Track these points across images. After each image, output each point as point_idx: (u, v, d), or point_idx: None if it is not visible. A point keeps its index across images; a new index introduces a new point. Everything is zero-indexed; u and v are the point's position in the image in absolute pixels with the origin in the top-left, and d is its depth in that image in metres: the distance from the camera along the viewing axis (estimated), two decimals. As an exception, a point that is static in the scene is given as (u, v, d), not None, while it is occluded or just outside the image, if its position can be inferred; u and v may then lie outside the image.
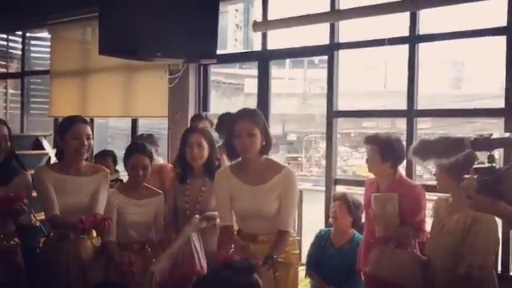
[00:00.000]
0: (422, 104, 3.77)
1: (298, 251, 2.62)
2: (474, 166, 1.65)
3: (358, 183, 4.55)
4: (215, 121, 3.78)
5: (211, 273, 1.77)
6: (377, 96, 8.98)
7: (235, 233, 2.56)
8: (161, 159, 3.94)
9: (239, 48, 10.90)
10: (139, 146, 2.90)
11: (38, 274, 2.63)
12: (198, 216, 2.66)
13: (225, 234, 2.49)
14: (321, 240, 3.34)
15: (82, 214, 2.56)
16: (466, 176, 1.65)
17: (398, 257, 2.66)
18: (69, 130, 2.61)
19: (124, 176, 3.35)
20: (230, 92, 11.41)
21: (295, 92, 11.74)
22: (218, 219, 2.71)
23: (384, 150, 2.82)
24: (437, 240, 2.55)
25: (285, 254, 2.45)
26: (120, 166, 3.42)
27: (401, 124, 4.14)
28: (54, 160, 3.18)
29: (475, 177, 1.60)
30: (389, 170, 2.85)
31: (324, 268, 3.29)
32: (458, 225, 2.43)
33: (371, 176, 3.02)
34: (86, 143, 2.61)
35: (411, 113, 3.73)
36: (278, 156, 2.52)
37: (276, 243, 2.39)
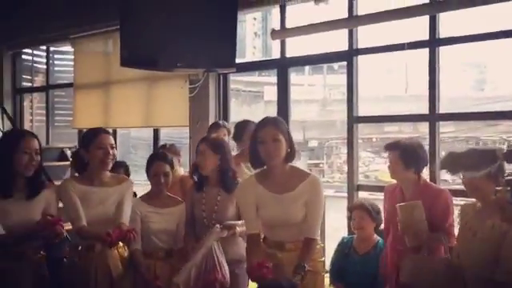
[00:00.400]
0: (444, 107, 3.73)
1: (323, 258, 2.61)
2: (507, 178, 1.62)
3: (381, 189, 4.49)
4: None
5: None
6: (398, 100, 8.89)
7: (261, 241, 2.56)
8: (182, 170, 3.96)
9: (258, 56, 10.93)
10: (160, 154, 3.05)
11: (64, 285, 2.67)
12: (218, 226, 2.69)
13: (252, 241, 2.48)
14: (344, 248, 3.32)
15: (108, 224, 2.60)
16: (498, 188, 1.62)
17: (432, 264, 2.60)
18: (93, 140, 2.65)
19: (143, 186, 3.39)
20: (249, 100, 11.45)
21: (315, 98, 11.70)
22: (238, 228, 2.73)
23: (407, 157, 2.78)
24: (469, 247, 2.47)
25: (312, 261, 2.44)
26: (135, 176, 3.45)
27: (423, 128, 4.09)
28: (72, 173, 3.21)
29: (508, 189, 1.57)
30: (413, 176, 2.81)
31: (348, 275, 3.27)
32: (494, 231, 2.34)
33: (393, 181, 2.99)
34: (110, 152, 2.66)
35: (433, 117, 3.69)
36: (299, 163, 2.53)
37: (303, 251, 2.38)
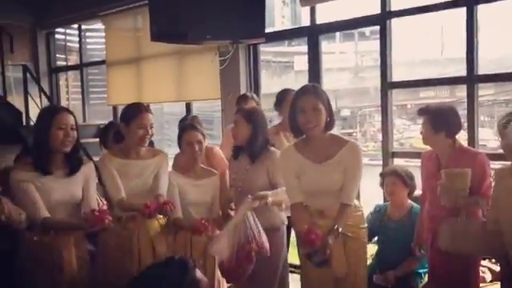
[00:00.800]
0: (483, 69, 3.59)
1: (366, 225, 2.61)
2: None
3: (416, 155, 4.42)
4: (261, 100, 3.76)
5: None
6: (434, 64, 8.60)
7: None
8: (206, 142, 3.91)
9: (287, 25, 10.74)
10: (190, 124, 3.05)
11: (108, 255, 2.77)
12: (250, 196, 2.71)
13: (297, 210, 2.49)
14: (377, 215, 3.31)
15: (146, 196, 2.68)
16: None
17: (470, 228, 2.59)
18: (134, 118, 2.69)
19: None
20: (280, 70, 11.34)
21: (347, 66, 11.48)
22: (270, 198, 2.74)
23: (436, 120, 2.72)
24: (509, 211, 2.43)
25: (354, 228, 2.47)
26: (169, 150, 3.47)
27: (461, 92, 3.96)
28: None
29: None
30: (444, 140, 2.74)
31: (383, 242, 3.27)
32: None
33: (428, 148, 2.93)
34: (149, 132, 2.71)
35: (472, 79, 3.56)
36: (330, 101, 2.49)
37: (338, 216, 2.39)
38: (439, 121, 2.73)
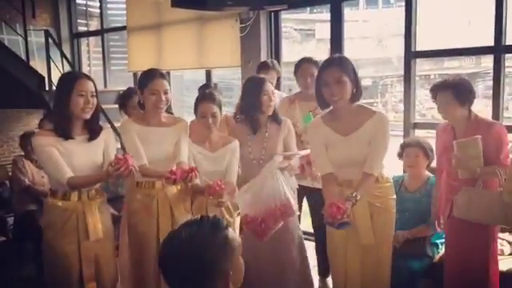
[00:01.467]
0: (510, 39, 3.48)
1: (394, 196, 2.60)
2: None
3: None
4: (282, 69, 3.72)
5: None
6: (460, 33, 8.35)
7: None
8: (224, 110, 3.87)
9: (310, -9, 10.52)
10: (207, 94, 2.87)
11: (129, 218, 2.85)
12: (278, 154, 2.75)
13: (327, 181, 2.50)
14: (395, 186, 3.29)
15: (168, 162, 2.71)
16: None
17: (487, 198, 2.60)
18: (146, 85, 2.68)
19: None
20: (301, 38, 11.17)
21: (370, 34, 11.23)
22: (292, 162, 2.82)
23: (461, 93, 2.70)
24: None
25: (382, 199, 2.49)
26: (189, 117, 3.45)
27: (487, 62, 3.86)
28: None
29: None
30: (464, 112, 2.73)
31: (400, 212, 3.27)
32: None
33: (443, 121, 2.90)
34: (163, 98, 2.67)
35: (499, 49, 3.47)
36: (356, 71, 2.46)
37: (360, 184, 2.39)
38: (464, 93, 2.71)
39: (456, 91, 2.70)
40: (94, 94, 2.47)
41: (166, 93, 2.70)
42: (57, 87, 2.59)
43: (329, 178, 2.49)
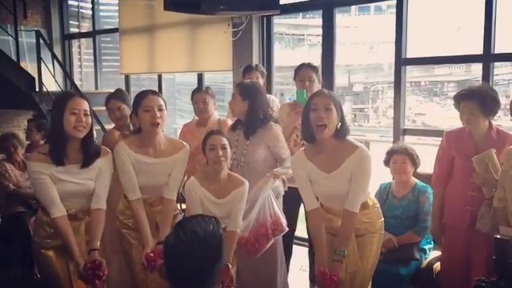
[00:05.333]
0: (499, 48, 3.53)
1: (382, 219, 2.62)
2: None
3: (428, 133, 4.41)
4: (274, 73, 3.71)
5: None
6: (450, 41, 8.44)
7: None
8: (217, 114, 3.84)
9: (302, -3, 10.57)
10: (214, 131, 2.75)
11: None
12: (268, 175, 2.78)
13: (314, 217, 2.53)
14: (382, 194, 3.32)
15: (158, 190, 2.67)
16: None
17: None
18: (140, 103, 2.58)
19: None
20: (293, 43, 11.21)
21: (361, 40, 11.30)
22: (284, 176, 2.85)
23: (487, 105, 2.69)
24: None
25: (370, 224, 2.53)
26: (180, 120, 3.45)
27: (476, 70, 3.91)
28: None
29: None
30: (487, 123, 2.74)
31: (389, 219, 3.28)
32: None
33: (442, 126, 2.91)
34: (158, 115, 2.54)
35: (488, 57, 3.51)
36: (343, 108, 2.48)
37: (343, 227, 2.43)
38: (491, 105, 2.70)
39: (482, 102, 2.68)
40: (88, 112, 2.40)
41: (160, 109, 2.57)
42: (51, 108, 2.59)
43: (315, 214, 2.52)
